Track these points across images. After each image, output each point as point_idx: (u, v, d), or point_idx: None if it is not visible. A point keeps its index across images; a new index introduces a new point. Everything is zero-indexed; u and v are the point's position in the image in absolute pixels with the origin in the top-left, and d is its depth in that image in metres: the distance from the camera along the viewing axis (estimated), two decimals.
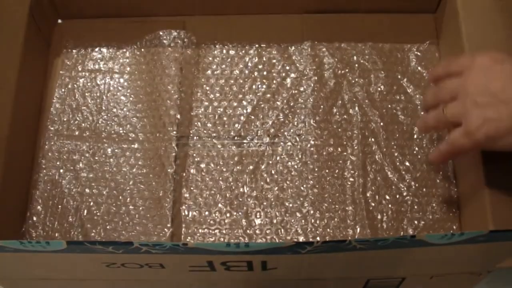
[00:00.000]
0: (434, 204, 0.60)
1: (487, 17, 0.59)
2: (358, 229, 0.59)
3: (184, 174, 0.63)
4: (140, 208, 0.61)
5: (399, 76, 0.66)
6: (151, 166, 0.63)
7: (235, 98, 0.66)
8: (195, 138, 0.64)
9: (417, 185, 0.61)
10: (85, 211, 0.62)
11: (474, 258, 0.50)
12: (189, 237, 0.60)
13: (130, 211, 0.61)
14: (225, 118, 0.65)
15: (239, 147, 0.64)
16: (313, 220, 0.60)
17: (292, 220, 0.60)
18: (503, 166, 0.53)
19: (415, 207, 0.60)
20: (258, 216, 0.61)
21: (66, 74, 0.68)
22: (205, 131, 0.65)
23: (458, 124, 0.50)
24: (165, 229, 0.60)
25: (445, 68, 0.53)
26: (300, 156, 0.63)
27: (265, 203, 0.61)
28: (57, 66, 0.69)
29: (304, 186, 0.61)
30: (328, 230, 0.59)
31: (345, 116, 0.64)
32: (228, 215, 0.61)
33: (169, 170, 0.62)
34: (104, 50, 0.69)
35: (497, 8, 0.59)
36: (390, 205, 0.60)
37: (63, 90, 0.67)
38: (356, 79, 0.66)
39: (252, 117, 0.65)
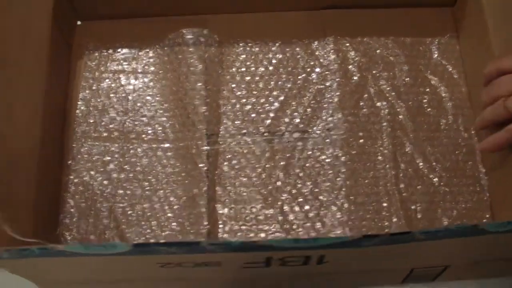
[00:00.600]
0: (466, 194, 0.61)
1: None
2: (394, 220, 0.60)
3: (217, 172, 0.63)
4: (175, 207, 0.61)
5: (423, 69, 0.67)
6: (184, 165, 0.63)
7: (262, 94, 0.66)
8: (225, 135, 0.65)
9: (448, 175, 0.62)
10: (119, 212, 0.62)
11: None
12: (226, 234, 0.61)
13: (165, 210, 0.61)
14: (253, 115, 0.65)
15: (270, 143, 0.64)
16: (348, 213, 0.61)
17: (328, 214, 0.61)
18: None
19: (447, 196, 0.61)
20: (293, 211, 0.61)
21: (90, 76, 0.68)
22: (234, 128, 0.65)
23: None
24: (202, 227, 0.60)
25: (498, 66, 0.55)
26: (331, 150, 0.63)
27: (300, 198, 0.62)
28: (80, 68, 0.68)
29: (338, 179, 0.62)
30: (363, 222, 0.60)
31: (372, 109, 0.65)
32: (264, 211, 0.61)
33: (202, 168, 0.63)
34: (126, 50, 0.69)
35: None
36: (423, 196, 0.61)
37: (87, 91, 0.67)
38: (381, 73, 0.67)
39: (280, 113, 0.65)
